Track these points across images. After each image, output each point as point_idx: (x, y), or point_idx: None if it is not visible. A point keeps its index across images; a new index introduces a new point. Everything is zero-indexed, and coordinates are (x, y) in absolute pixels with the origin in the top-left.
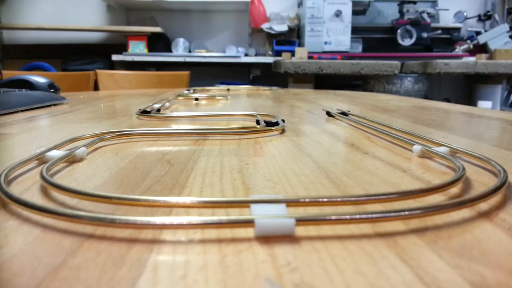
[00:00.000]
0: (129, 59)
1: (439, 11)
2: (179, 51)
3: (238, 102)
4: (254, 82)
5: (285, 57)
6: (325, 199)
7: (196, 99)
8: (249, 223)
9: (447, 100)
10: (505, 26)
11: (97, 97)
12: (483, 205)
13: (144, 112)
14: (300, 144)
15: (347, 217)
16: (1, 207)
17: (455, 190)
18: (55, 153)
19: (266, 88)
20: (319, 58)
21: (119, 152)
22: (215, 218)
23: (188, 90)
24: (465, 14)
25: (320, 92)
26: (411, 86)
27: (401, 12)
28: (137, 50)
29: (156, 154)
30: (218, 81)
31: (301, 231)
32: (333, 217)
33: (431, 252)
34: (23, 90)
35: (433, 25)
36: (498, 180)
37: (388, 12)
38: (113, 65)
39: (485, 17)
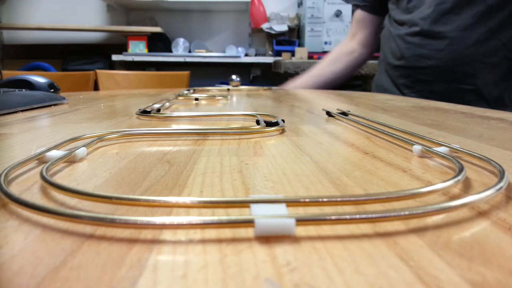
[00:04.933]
0: (129, 59)
1: None
2: (179, 51)
3: (238, 102)
4: (254, 82)
5: (285, 57)
6: (325, 199)
7: (196, 99)
8: (249, 223)
9: None
10: None
11: (97, 97)
12: (483, 205)
13: (144, 112)
14: (300, 144)
15: (347, 217)
16: (1, 207)
17: (455, 190)
18: (55, 153)
19: (266, 88)
20: (319, 58)
21: (119, 152)
22: (215, 218)
23: (188, 90)
24: None
25: (320, 92)
26: None
27: None
28: (137, 50)
29: (156, 154)
30: (218, 81)
31: (301, 231)
32: (333, 217)
33: (431, 252)
34: (23, 90)
35: None
36: (498, 180)
37: None
38: (113, 65)
39: None
